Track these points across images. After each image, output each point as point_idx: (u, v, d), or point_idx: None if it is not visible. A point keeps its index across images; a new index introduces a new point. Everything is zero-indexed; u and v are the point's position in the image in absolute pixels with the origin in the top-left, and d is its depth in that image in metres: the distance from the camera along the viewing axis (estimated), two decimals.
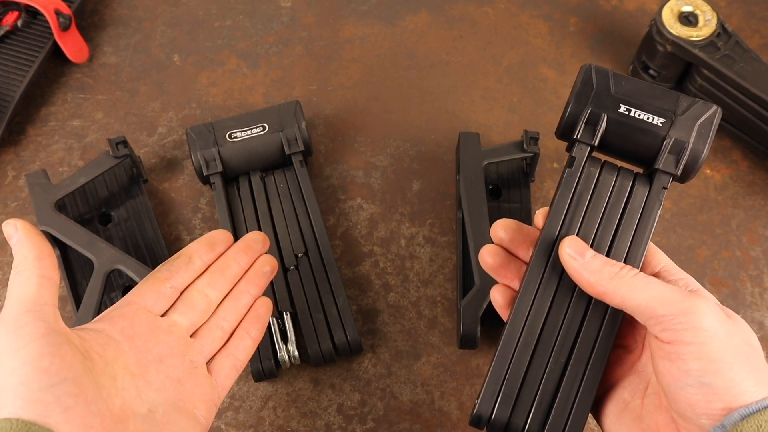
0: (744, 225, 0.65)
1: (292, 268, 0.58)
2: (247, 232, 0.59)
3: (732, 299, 0.61)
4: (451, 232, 0.64)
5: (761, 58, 0.65)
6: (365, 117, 0.70)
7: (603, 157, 0.43)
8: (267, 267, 0.51)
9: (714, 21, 0.66)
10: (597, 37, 0.76)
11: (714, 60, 0.64)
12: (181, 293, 0.47)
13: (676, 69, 0.68)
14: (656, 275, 0.41)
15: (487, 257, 0.45)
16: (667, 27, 0.66)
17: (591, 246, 0.41)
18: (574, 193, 0.42)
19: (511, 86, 0.72)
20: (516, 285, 0.45)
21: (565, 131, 0.43)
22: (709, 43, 0.65)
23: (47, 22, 0.69)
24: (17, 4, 0.69)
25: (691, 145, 0.41)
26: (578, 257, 0.40)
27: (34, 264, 0.41)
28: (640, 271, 0.40)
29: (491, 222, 0.60)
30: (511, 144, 0.63)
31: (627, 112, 0.41)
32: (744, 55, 0.65)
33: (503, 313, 0.45)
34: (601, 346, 0.40)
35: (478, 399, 0.40)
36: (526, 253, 0.45)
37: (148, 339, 0.43)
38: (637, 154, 0.42)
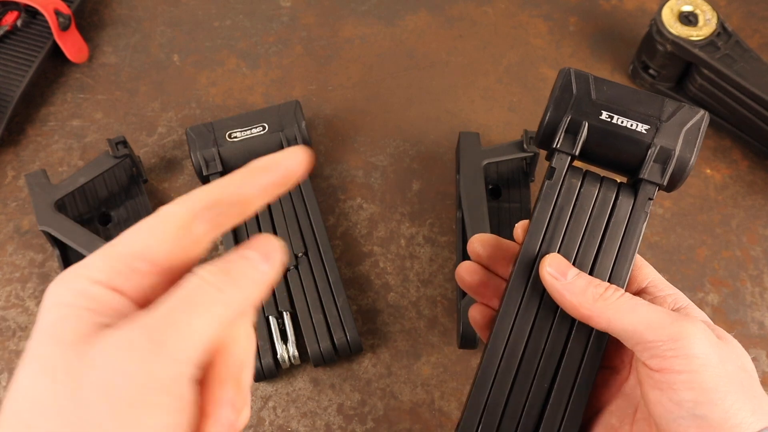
0: (744, 225, 0.65)
1: (291, 267, 0.58)
2: (247, 231, 0.60)
3: (732, 299, 0.61)
4: (451, 232, 0.64)
5: (761, 58, 0.65)
6: (365, 117, 0.70)
7: (585, 167, 0.41)
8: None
9: (714, 20, 0.66)
10: (597, 37, 0.76)
11: (714, 60, 0.64)
12: None
13: (676, 69, 0.68)
14: (643, 291, 0.39)
15: (465, 275, 0.42)
16: (667, 26, 0.66)
17: (573, 263, 0.38)
18: (555, 206, 0.39)
19: (510, 86, 0.72)
20: (496, 304, 0.42)
21: (543, 140, 0.40)
22: (709, 43, 0.65)
23: (47, 21, 0.69)
24: (17, 3, 0.69)
25: (677, 153, 0.38)
26: (560, 277, 0.37)
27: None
28: (627, 286, 0.38)
29: (491, 222, 0.60)
30: (510, 144, 0.63)
31: (609, 119, 0.39)
32: (744, 55, 0.65)
33: (483, 334, 0.43)
34: (586, 369, 0.38)
35: (457, 429, 0.38)
36: (505, 270, 0.42)
37: None
38: (621, 163, 0.40)
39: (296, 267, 0.58)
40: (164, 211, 0.27)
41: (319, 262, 0.58)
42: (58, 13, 0.69)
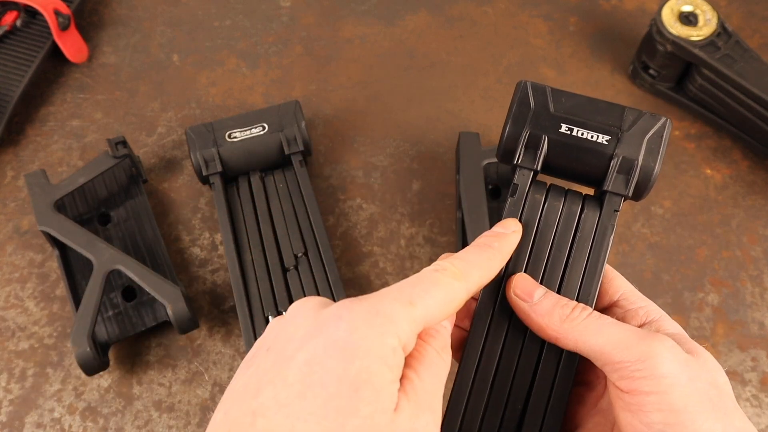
0: (744, 225, 0.65)
1: (291, 268, 0.58)
2: (247, 232, 0.59)
3: (732, 299, 0.61)
4: (450, 232, 0.64)
5: (761, 58, 0.65)
6: (365, 117, 0.70)
7: (551, 180, 0.40)
8: None
9: (714, 21, 0.66)
10: (597, 37, 0.76)
11: (714, 60, 0.64)
12: None
13: (676, 69, 0.68)
14: (614, 304, 0.38)
15: None
16: (667, 27, 0.66)
17: (541, 281, 0.38)
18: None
19: (510, 86, 0.72)
20: (467, 325, 0.41)
21: (505, 156, 0.40)
22: (709, 43, 0.65)
23: (46, 22, 0.69)
24: (16, 3, 0.69)
25: (640, 162, 0.37)
26: (527, 298, 0.36)
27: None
28: (598, 300, 0.38)
29: (491, 222, 0.60)
30: None
31: (569, 132, 0.38)
32: (744, 55, 0.65)
33: (456, 356, 0.40)
34: (559, 389, 0.37)
35: None
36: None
37: None
38: (585, 175, 0.39)
39: (296, 267, 0.58)
40: (452, 289, 0.33)
41: (319, 262, 0.58)
42: (57, 13, 0.69)
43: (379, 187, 0.66)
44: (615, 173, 0.38)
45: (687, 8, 0.67)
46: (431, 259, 0.62)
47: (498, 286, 0.38)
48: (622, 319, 0.38)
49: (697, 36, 0.65)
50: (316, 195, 0.63)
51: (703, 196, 0.66)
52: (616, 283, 0.39)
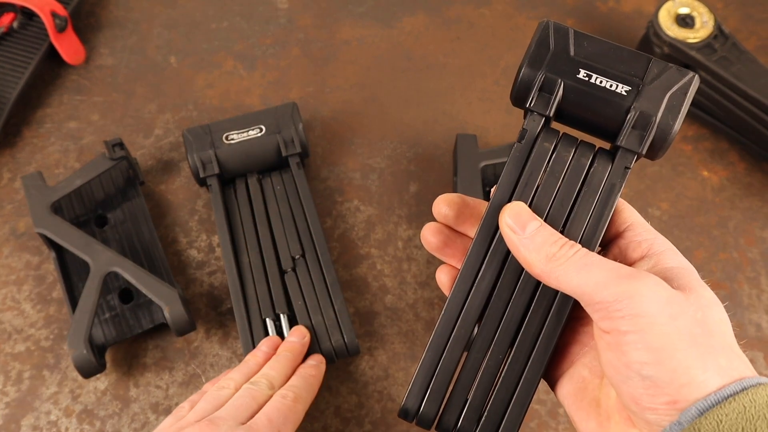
0: (741, 227, 0.65)
1: (289, 270, 0.58)
2: (244, 234, 0.59)
3: (729, 301, 0.61)
4: None
5: (758, 60, 0.65)
6: (362, 119, 0.70)
7: (564, 129, 0.38)
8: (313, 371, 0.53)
9: (711, 23, 0.66)
10: None
11: (711, 62, 0.64)
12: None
13: None
14: (620, 236, 0.37)
15: (429, 236, 0.40)
16: (664, 29, 0.66)
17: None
18: (523, 171, 0.37)
19: (508, 88, 0.72)
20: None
21: (517, 98, 0.37)
22: (706, 45, 0.65)
23: (43, 23, 0.69)
24: (13, 5, 0.69)
25: (658, 119, 0.35)
26: (518, 230, 0.35)
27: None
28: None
29: None
30: (508, 146, 0.63)
31: (587, 78, 0.35)
32: (741, 57, 0.65)
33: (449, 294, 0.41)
34: (543, 342, 0.36)
35: (406, 393, 0.37)
36: (473, 230, 0.40)
37: None
38: (599, 126, 0.36)
39: (293, 269, 0.58)
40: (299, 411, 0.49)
41: (316, 264, 0.58)
42: (54, 14, 0.69)
43: (376, 189, 0.66)
44: (630, 128, 0.35)
45: (684, 10, 0.67)
46: (429, 261, 0.62)
47: (496, 224, 0.36)
48: (623, 250, 0.37)
49: (694, 38, 0.65)
50: (313, 197, 0.63)
51: (700, 198, 0.67)
52: (625, 215, 0.37)
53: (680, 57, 0.66)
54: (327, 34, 0.75)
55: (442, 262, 0.63)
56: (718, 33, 0.66)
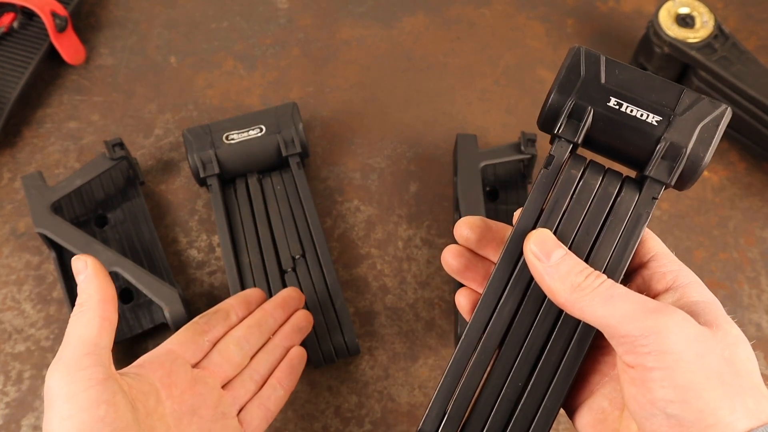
0: (741, 227, 0.65)
1: (289, 270, 0.58)
2: (245, 234, 0.59)
3: (729, 301, 0.61)
4: (448, 234, 0.64)
5: (758, 60, 0.65)
6: (362, 119, 0.70)
7: (590, 155, 0.38)
8: (304, 323, 0.52)
9: (711, 23, 0.66)
10: (594, 39, 0.76)
11: (711, 62, 0.64)
12: (215, 345, 0.48)
13: (673, 71, 0.68)
14: (644, 266, 0.37)
15: (450, 259, 0.40)
16: (664, 29, 0.66)
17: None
18: (550, 197, 0.36)
19: (508, 88, 0.72)
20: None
21: (546, 123, 0.37)
22: (706, 45, 0.65)
23: (43, 23, 0.69)
24: (13, 5, 0.69)
25: (689, 150, 0.35)
26: (543, 258, 0.34)
27: (98, 306, 0.42)
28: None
29: None
30: (508, 146, 0.63)
31: (617, 107, 0.35)
32: (741, 57, 0.65)
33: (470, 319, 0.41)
34: (564, 371, 0.36)
35: (423, 417, 0.37)
36: (495, 254, 0.40)
37: (184, 390, 0.44)
38: (628, 155, 0.36)
39: (294, 269, 0.58)
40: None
41: (316, 264, 0.58)
42: (54, 14, 0.69)
43: (376, 189, 0.66)
44: (659, 158, 0.35)
45: (684, 10, 0.67)
46: (429, 261, 0.62)
47: (520, 249, 0.36)
48: (647, 281, 0.36)
49: (694, 38, 0.65)
50: (313, 197, 0.63)
51: (701, 197, 0.67)
52: (650, 245, 0.37)
53: (680, 57, 0.66)
54: (327, 34, 0.75)
55: (441, 264, 0.63)
56: (719, 33, 0.66)
